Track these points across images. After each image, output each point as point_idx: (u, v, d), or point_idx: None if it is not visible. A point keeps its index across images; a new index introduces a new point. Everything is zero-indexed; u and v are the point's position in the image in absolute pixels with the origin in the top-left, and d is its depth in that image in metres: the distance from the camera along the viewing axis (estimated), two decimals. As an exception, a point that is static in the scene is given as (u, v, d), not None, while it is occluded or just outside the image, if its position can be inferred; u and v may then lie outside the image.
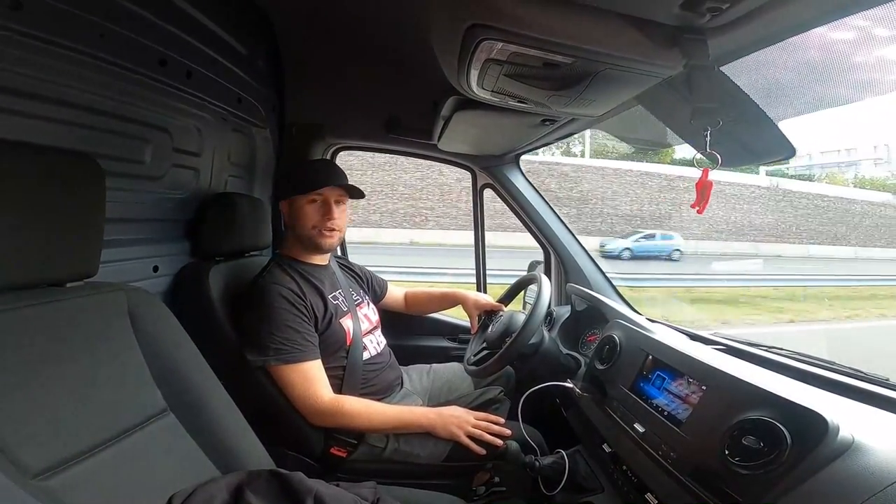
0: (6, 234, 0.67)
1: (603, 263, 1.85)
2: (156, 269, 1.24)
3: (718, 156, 0.74)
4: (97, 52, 0.87)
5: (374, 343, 1.42)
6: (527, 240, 1.94)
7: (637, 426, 0.97)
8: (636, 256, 12.44)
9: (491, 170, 1.87)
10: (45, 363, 0.71)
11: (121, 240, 1.10)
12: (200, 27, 1.15)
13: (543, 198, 1.86)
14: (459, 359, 1.53)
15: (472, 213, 2.01)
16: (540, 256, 1.93)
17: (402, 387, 1.46)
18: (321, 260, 1.39)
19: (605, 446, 1.10)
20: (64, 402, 0.71)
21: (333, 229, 1.31)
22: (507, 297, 1.57)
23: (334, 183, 1.30)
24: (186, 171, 1.33)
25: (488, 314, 1.54)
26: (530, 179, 1.88)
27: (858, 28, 0.64)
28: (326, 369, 1.24)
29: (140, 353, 0.86)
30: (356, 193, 1.35)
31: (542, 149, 1.90)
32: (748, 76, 0.78)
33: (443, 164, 2.06)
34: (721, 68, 0.76)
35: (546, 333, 1.34)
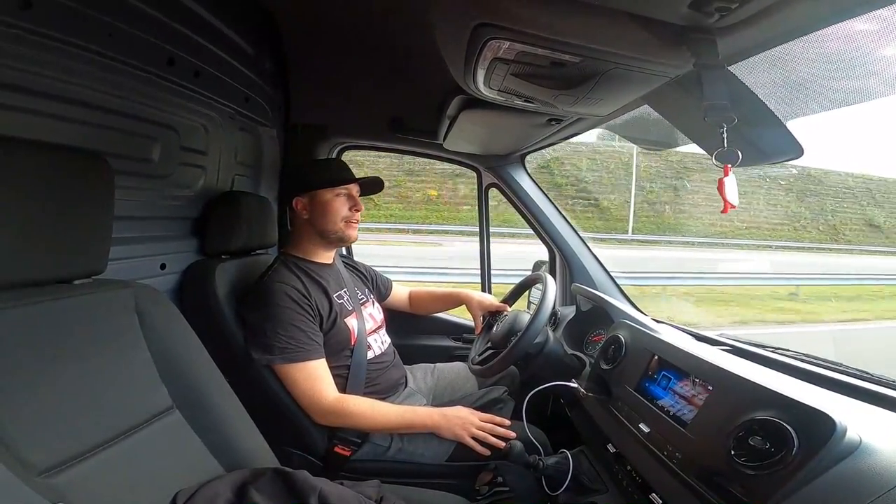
0: (15, 232, 0.67)
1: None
2: (163, 266, 1.25)
3: (739, 152, 0.73)
4: (106, 51, 0.88)
5: (379, 342, 1.42)
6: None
7: (642, 426, 0.97)
8: None
9: (496, 169, 1.87)
10: (52, 360, 0.71)
11: (129, 237, 1.10)
12: (208, 26, 1.16)
13: (549, 198, 1.86)
14: (464, 358, 1.53)
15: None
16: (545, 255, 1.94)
17: (406, 386, 1.46)
18: (327, 259, 1.39)
19: (609, 447, 1.10)
20: (70, 400, 0.71)
21: (358, 221, 1.36)
22: (512, 298, 1.57)
23: (357, 179, 1.36)
24: (194, 169, 1.33)
25: (492, 314, 1.53)
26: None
27: (880, 19, 0.64)
28: (331, 368, 1.24)
29: (147, 350, 0.86)
30: (375, 187, 1.42)
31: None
32: (763, 74, 0.78)
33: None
34: (731, 66, 0.76)
35: (551, 333, 1.34)
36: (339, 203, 1.32)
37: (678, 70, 0.77)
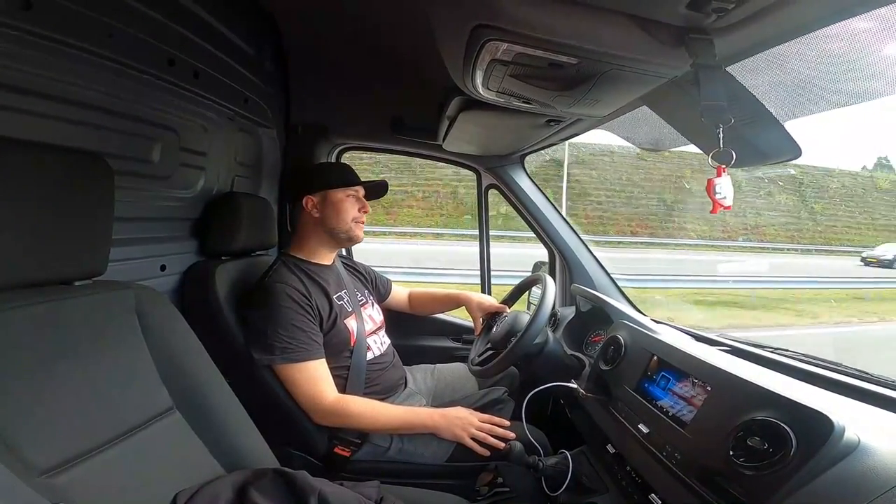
0: (15, 233, 0.67)
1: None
2: (163, 267, 1.25)
3: (733, 153, 0.73)
4: (106, 52, 0.88)
5: (378, 343, 1.42)
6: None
7: (642, 427, 0.97)
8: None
9: (496, 170, 1.87)
10: (52, 361, 0.71)
11: (129, 238, 1.10)
12: (208, 28, 1.16)
13: (549, 198, 1.86)
14: (464, 359, 1.53)
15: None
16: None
17: (405, 387, 1.47)
18: (327, 259, 1.40)
19: (609, 447, 1.10)
20: (71, 400, 0.72)
21: (364, 222, 1.41)
22: (511, 299, 1.57)
23: (367, 182, 1.43)
24: (194, 170, 1.34)
25: (492, 315, 1.53)
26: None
27: (878, 18, 0.64)
28: (331, 369, 1.24)
29: (147, 351, 0.86)
30: (379, 192, 1.50)
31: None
32: (760, 74, 0.78)
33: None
34: (728, 67, 0.76)
35: (550, 334, 1.34)
36: (349, 203, 1.36)
37: (676, 71, 0.77)
